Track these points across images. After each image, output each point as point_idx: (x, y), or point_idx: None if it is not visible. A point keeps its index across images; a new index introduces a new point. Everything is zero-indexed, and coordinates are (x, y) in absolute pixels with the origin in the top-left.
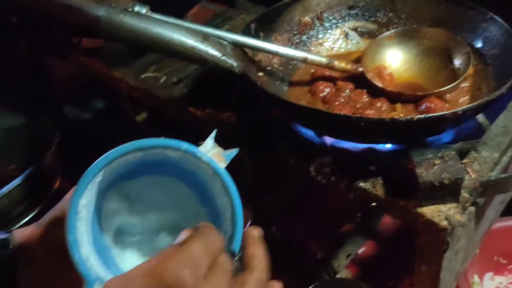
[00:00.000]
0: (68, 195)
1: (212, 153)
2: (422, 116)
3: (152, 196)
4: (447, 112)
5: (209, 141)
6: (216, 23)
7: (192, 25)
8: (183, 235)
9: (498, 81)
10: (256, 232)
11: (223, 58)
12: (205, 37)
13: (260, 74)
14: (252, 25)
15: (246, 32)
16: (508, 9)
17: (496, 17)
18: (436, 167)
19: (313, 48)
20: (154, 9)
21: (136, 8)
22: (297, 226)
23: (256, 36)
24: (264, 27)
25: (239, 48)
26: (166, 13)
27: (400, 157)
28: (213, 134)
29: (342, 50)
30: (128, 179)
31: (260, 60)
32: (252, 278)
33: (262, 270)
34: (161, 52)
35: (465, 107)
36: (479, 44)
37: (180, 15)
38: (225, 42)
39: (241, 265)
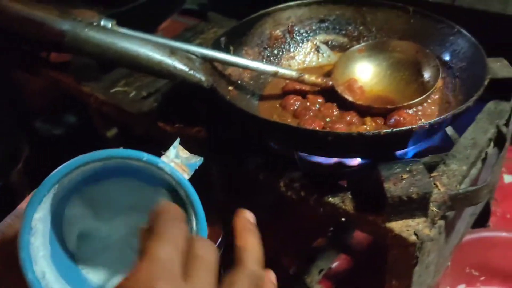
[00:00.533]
0: (23, 204)
1: (174, 163)
2: (389, 130)
3: (119, 201)
4: (413, 126)
5: (172, 151)
6: (188, 36)
7: (160, 39)
8: (141, 242)
9: (466, 94)
10: (246, 218)
11: (191, 72)
12: (173, 52)
13: (230, 88)
14: (222, 39)
15: (216, 46)
16: (475, 23)
17: (463, 30)
18: (404, 181)
19: (284, 62)
20: (122, 23)
21: (102, 23)
22: (269, 241)
23: (226, 50)
24: (234, 41)
25: (209, 62)
26: (135, 27)
27: (369, 171)
28: (176, 143)
29: (313, 63)
30: (92, 183)
31: (230, 74)
32: (242, 275)
33: (255, 263)
34: (128, 66)
35: (431, 121)
36: (447, 57)
37: (151, 29)
38: (194, 57)
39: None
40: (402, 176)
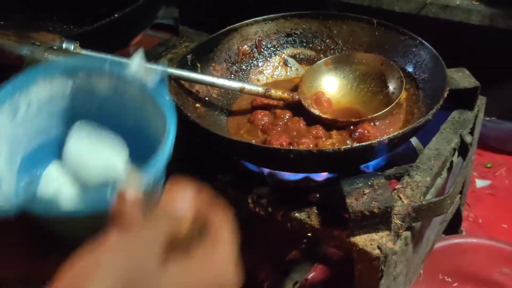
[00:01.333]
0: None
1: (139, 70)
2: (348, 146)
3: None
4: (372, 142)
5: (136, 59)
6: (160, 51)
7: (123, 60)
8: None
9: (428, 106)
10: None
11: None
12: None
13: (198, 105)
14: (189, 56)
15: (182, 63)
16: (440, 32)
17: (425, 42)
18: (365, 196)
19: (253, 76)
20: (90, 42)
21: (64, 45)
22: (243, 255)
23: (192, 67)
24: (202, 57)
25: (174, 80)
26: (104, 45)
27: (333, 186)
28: (140, 52)
29: (282, 77)
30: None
31: (198, 90)
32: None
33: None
34: None
35: (391, 135)
36: (411, 69)
37: (123, 44)
38: None
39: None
40: (363, 191)
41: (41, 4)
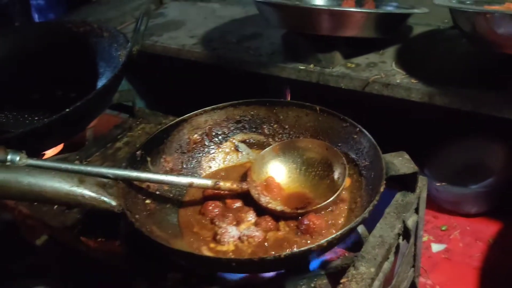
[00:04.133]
0: None
1: None
2: (288, 253)
3: None
4: (312, 246)
5: None
6: (116, 134)
7: (70, 167)
8: None
9: (369, 194)
10: None
11: (101, 198)
12: (81, 180)
13: (148, 201)
14: (138, 153)
15: (131, 160)
16: (384, 107)
17: (364, 130)
18: None
19: (205, 164)
20: (46, 134)
21: (9, 157)
22: None
23: (142, 162)
24: (151, 150)
25: (122, 181)
26: (66, 130)
27: (279, 284)
28: None
29: (234, 162)
30: None
31: (149, 185)
32: None
33: None
34: (36, 201)
35: (329, 238)
36: (353, 155)
37: (81, 128)
38: (105, 180)
39: None
40: None
41: None
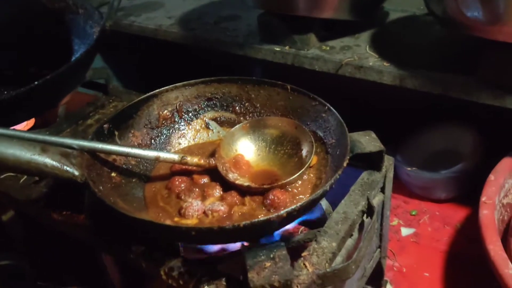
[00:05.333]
0: None
1: None
2: (248, 222)
3: None
4: (272, 216)
5: None
6: (88, 112)
7: (33, 136)
8: None
9: (334, 171)
10: None
11: (64, 168)
12: (44, 149)
13: (114, 174)
14: (105, 126)
15: (98, 133)
16: (356, 90)
17: (332, 109)
18: (266, 270)
19: (174, 140)
20: (14, 106)
21: None
22: None
23: (109, 135)
24: (120, 125)
25: (88, 152)
26: (38, 104)
27: (239, 257)
28: None
29: (204, 139)
30: None
31: (115, 159)
32: None
33: None
34: None
35: (288, 209)
36: (321, 133)
37: (52, 105)
38: (70, 150)
39: None
40: (265, 264)
41: None
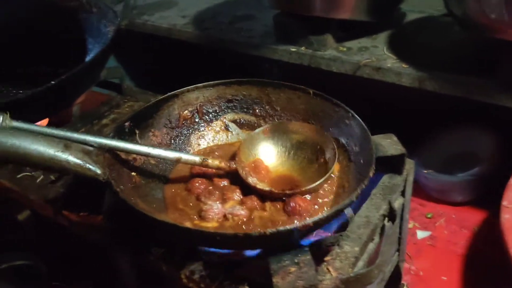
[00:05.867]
0: None
1: None
2: (274, 230)
3: None
4: (298, 225)
5: None
6: (103, 111)
7: (55, 132)
8: None
9: (358, 179)
10: None
11: (86, 166)
12: (67, 145)
13: (134, 173)
14: (126, 124)
15: (119, 131)
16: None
17: (356, 115)
18: (291, 275)
19: (193, 141)
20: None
21: None
22: None
23: (130, 134)
24: (140, 124)
25: (108, 151)
26: (53, 104)
27: (262, 261)
28: None
29: (223, 141)
30: None
31: (135, 158)
32: None
33: None
34: (20, 164)
35: (315, 218)
36: (344, 140)
37: (66, 105)
38: (91, 148)
39: None
40: (289, 270)
41: None
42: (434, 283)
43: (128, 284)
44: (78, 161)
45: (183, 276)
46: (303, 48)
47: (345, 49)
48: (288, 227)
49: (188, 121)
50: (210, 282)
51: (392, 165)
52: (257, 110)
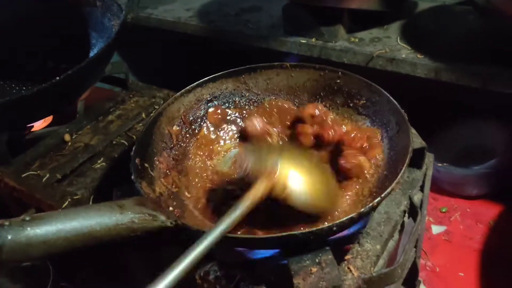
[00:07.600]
0: None
1: None
2: (306, 231)
3: None
4: (325, 226)
5: None
6: (108, 107)
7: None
8: None
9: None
10: None
11: (151, 218)
12: (120, 205)
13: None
14: (137, 161)
15: (137, 172)
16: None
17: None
18: (313, 275)
19: (192, 152)
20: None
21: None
22: None
23: (143, 170)
24: (145, 156)
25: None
26: (58, 99)
27: (280, 261)
28: None
29: (221, 144)
30: None
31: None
32: None
33: None
34: (85, 247)
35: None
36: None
37: (73, 99)
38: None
39: None
40: (311, 270)
41: None
42: (451, 280)
43: (137, 284)
44: (143, 216)
45: (197, 277)
46: (313, 39)
47: (356, 40)
48: (323, 226)
49: (180, 136)
50: (226, 283)
51: (411, 159)
52: (237, 101)
